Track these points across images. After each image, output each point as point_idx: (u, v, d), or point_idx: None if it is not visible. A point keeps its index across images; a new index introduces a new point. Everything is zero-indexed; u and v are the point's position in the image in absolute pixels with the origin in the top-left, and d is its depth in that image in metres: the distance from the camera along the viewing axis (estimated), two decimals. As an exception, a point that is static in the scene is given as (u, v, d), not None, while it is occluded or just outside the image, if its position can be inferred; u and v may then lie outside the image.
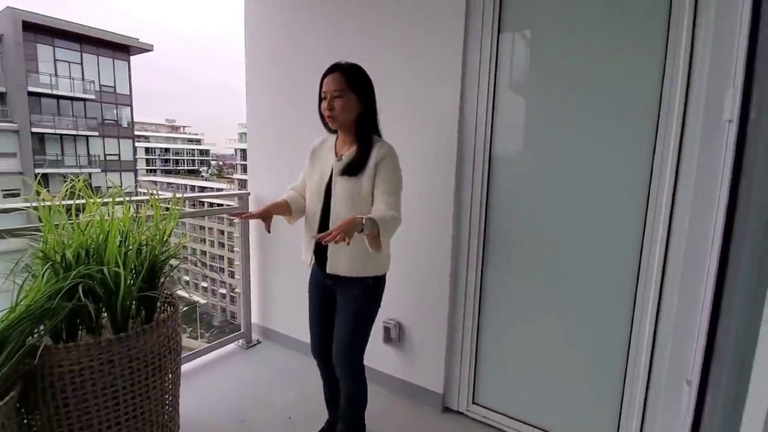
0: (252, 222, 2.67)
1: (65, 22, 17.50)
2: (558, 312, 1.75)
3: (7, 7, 16.03)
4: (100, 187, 1.64)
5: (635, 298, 1.57)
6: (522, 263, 1.81)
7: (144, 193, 1.91)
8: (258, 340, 2.76)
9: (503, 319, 1.90)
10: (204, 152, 50.62)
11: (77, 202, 1.55)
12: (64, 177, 1.55)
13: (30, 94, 16.43)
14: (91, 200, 1.56)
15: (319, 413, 1.90)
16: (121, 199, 1.62)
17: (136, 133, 23.03)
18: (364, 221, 1.24)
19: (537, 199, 1.75)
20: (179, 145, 47.95)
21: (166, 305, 1.70)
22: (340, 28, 2.17)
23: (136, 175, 21.98)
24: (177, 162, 46.86)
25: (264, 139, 2.63)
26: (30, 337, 1.30)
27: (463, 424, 1.99)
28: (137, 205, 1.83)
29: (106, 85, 19.23)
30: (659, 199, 1.48)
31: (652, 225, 1.50)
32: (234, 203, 2.79)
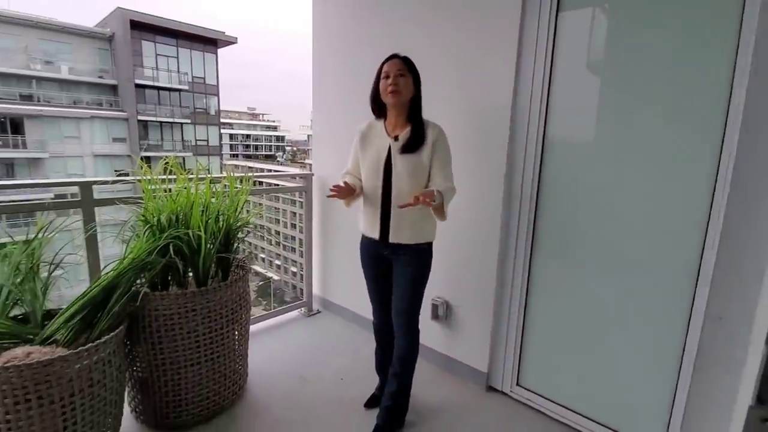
0: (315, 201, 2.89)
1: (164, 20, 19.49)
2: (609, 300, 1.70)
3: (117, 7, 18.20)
4: (191, 168, 1.92)
5: (695, 292, 1.48)
6: (573, 247, 1.78)
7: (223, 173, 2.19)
8: (318, 310, 3.01)
9: (551, 303, 1.89)
10: (280, 138, 53.77)
11: (170, 177, 1.84)
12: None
13: (136, 86, 18.69)
14: (181, 176, 1.84)
15: (367, 378, 2.06)
16: (203, 175, 1.88)
17: (222, 120, 25.14)
18: (435, 194, 1.45)
19: (592, 183, 1.70)
20: (258, 132, 51.41)
21: (238, 269, 1.95)
22: (400, 14, 2.24)
23: (221, 159, 24.09)
24: (256, 147, 50.36)
25: (328, 124, 2.81)
26: (134, 285, 1.59)
27: (506, 404, 2.03)
28: (216, 181, 2.10)
29: (197, 77, 21.18)
30: (725, 190, 1.36)
31: (718, 217, 1.39)
32: (300, 183, 3.02)
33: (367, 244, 1.77)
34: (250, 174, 2.02)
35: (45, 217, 1.63)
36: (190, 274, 1.76)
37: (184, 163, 1.96)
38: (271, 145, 52.11)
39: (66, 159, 16.81)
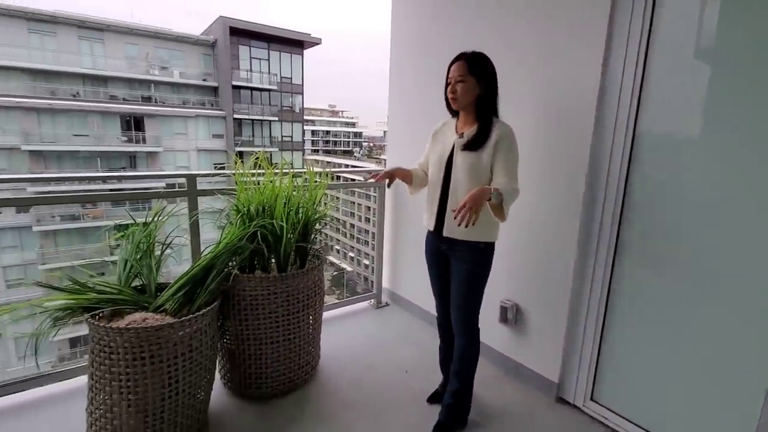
0: (388, 196, 2.97)
1: (258, 25, 21.19)
2: (700, 317, 1.52)
3: (220, 16, 20.26)
4: (277, 163, 2.10)
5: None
6: (663, 254, 1.62)
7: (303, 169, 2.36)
8: (387, 303, 3.09)
9: (634, 316, 1.74)
10: (357, 134, 55.57)
11: (259, 171, 2.03)
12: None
13: (233, 87, 20.61)
14: (268, 170, 2.02)
15: (431, 373, 2.09)
16: (287, 170, 2.05)
17: (305, 117, 26.64)
18: (492, 191, 1.43)
19: (690, 184, 1.52)
20: (337, 128, 53.66)
21: (315, 258, 2.09)
22: (481, 10, 2.19)
23: (303, 154, 25.59)
24: (335, 143, 52.63)
25: (403, 121, 2.86)
26: (227, 267, 1.79)
27: (577, 418, 1.91)
28: (298, 175, 2.26)
29: (285, 77, 22.71)
30: None
31: None
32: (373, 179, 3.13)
33: (429, 238, 1.81)
34: (329, 169, 2.15)
35: (159, 204, 1.90)
36: (273, 260, 1.94)
37: (270, 158, 2.14)
38: (349, 141, 54.07)
39: (175, 153, 19.15)
